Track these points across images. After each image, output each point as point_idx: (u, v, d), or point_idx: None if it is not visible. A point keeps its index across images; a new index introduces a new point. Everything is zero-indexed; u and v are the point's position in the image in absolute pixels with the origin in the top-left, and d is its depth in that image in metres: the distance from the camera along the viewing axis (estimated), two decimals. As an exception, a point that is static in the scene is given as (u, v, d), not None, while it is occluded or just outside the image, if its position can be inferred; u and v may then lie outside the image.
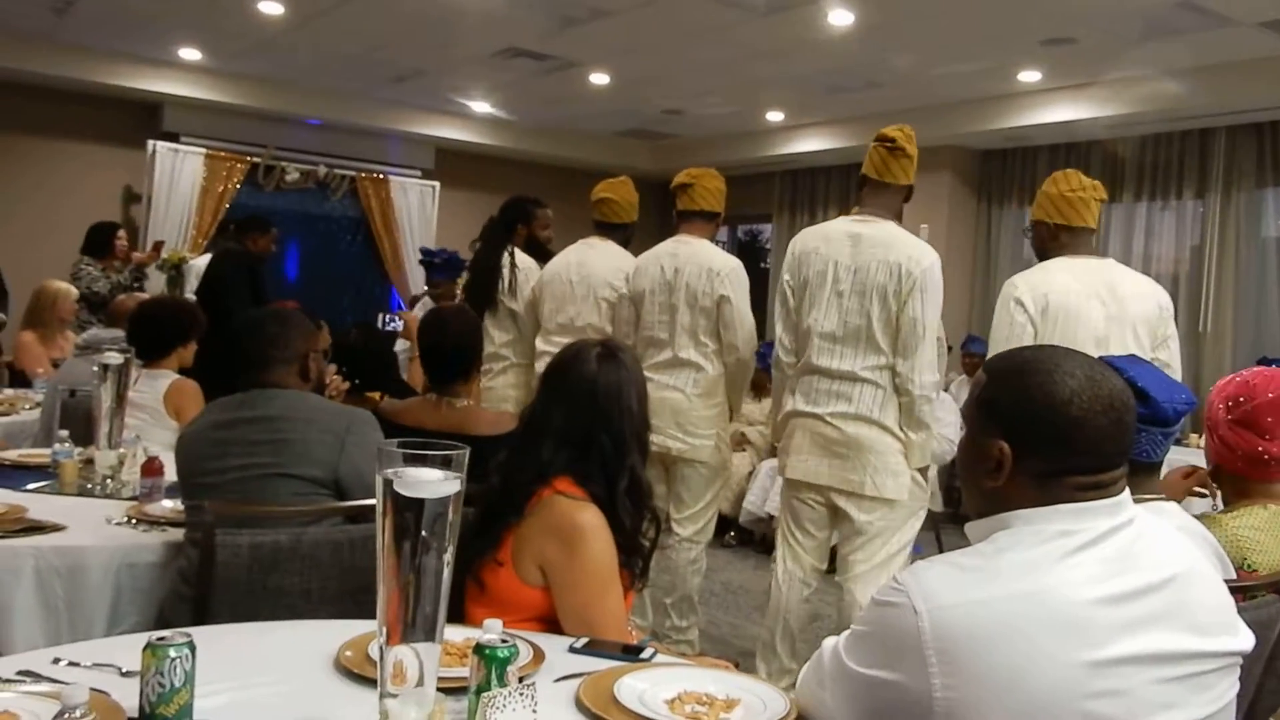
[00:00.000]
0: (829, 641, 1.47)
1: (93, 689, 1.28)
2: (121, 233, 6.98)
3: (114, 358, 3.01)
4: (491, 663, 1.36)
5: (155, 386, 3.65)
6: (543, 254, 4.80)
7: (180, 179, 8.81)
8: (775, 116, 9.13)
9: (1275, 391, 2.22)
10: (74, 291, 5.92)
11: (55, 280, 5.90)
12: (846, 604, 3.47)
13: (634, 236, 4.57)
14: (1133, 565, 1.31)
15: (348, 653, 1.63)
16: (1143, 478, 1.92)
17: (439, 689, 1.36)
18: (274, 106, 8.94)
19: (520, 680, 1.39)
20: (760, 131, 9.62)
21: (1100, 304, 3.31)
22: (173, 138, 8.83)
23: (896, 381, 3.37)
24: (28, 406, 4.60)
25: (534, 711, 1.31)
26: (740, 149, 9.83)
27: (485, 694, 1.31)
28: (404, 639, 1.31)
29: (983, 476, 1.40)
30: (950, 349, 6.54)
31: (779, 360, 3.66)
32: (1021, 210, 8.48)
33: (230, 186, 9.09)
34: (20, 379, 5.48)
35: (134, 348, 3.52)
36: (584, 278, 4.41)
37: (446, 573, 1.32)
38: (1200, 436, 5.08)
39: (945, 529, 6.32)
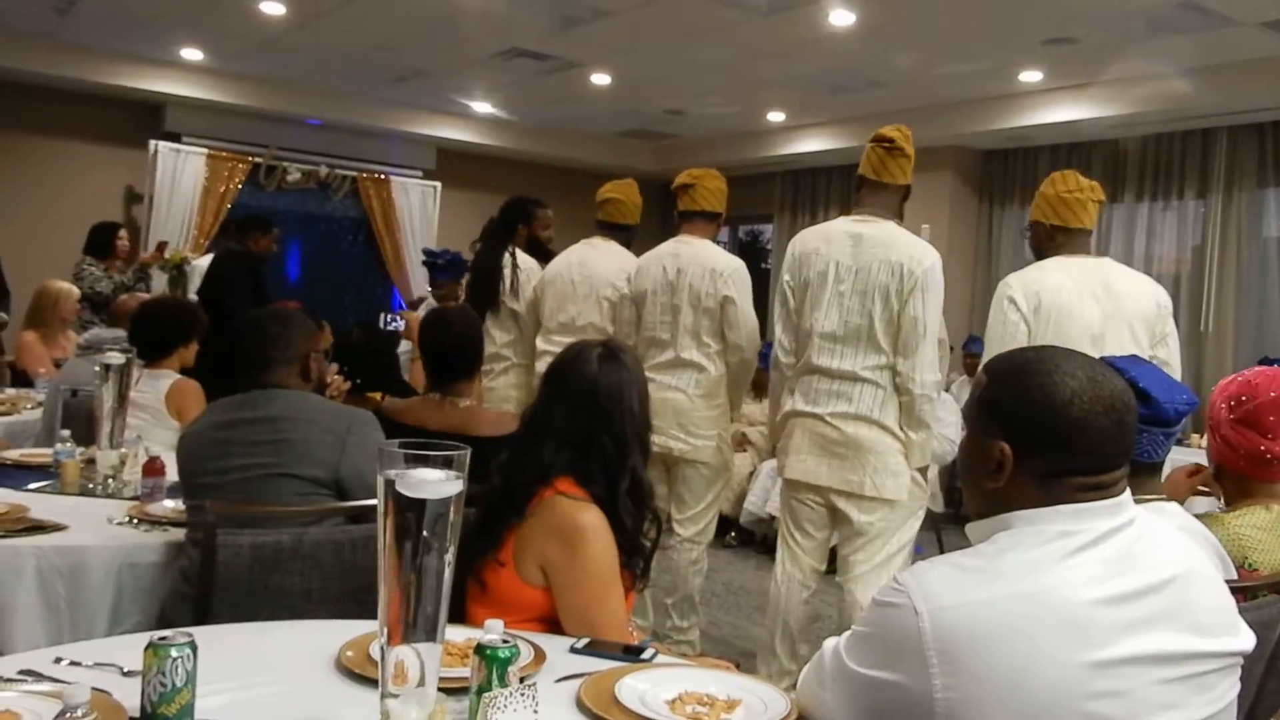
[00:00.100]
0: (830, 642, 1.47)
1: (94, 688, 1.28)
2: (123, 232, 6.98)
3: (116, 358, 3.02)
4: (493, 663, 1.36)
5: (157, 386, 3.65)
6: (544, 254, 4.80)
7: (182, 179, 8.82)
8: (776, 117, 9.13)
9: (1277, 391, 2.22)
10: (75, 291, 5.93)
11: (57, 280, 5.91)
12: (847, 604, 3.47)
13: (636, 239, 4.57)
14: (1134, 566, 1.31)
15: (349, 653, 1.63)
16: (1144, 478, 1.92)
17: (440, 689, 1.36)
18: (275, 107, 8.94)
19: (521, 680, 1.39)
20: (761, 132, 9.62)
21: (1095, 301, 3.31)
22: (174, 138, 8.83)
23: (897, 381, 3.37)
24: (29, 406, 4.61)
25: (535, 712, 1.31)
26: (741, 149, 9.82)
27: (486, 694, 1.31)
28: (405, 639, 1.31)
29: (984, 477, 1.40)
30: (951, 349, 6.55)
31: (777, 361, 3.65)
32: (1023, 210, 8.47)
33: (232, 187, 9.10)
34: (22, 379, 5.49)
35: (136, 348, 3.52)
36: (586, 277, 4.41)
37: (448, 573, 1.32)
38: (1201, 437, 5.09)
39: (946, 529, 6.32)
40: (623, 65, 7.56)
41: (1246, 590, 1.93)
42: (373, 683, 1.46)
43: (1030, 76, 7.17)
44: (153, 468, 2.78)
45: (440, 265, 6.10)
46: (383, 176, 9.92)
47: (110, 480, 2.91)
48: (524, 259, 4.75)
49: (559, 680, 1.62)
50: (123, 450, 2.96)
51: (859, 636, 1.38)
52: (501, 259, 4.72)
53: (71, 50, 7.95)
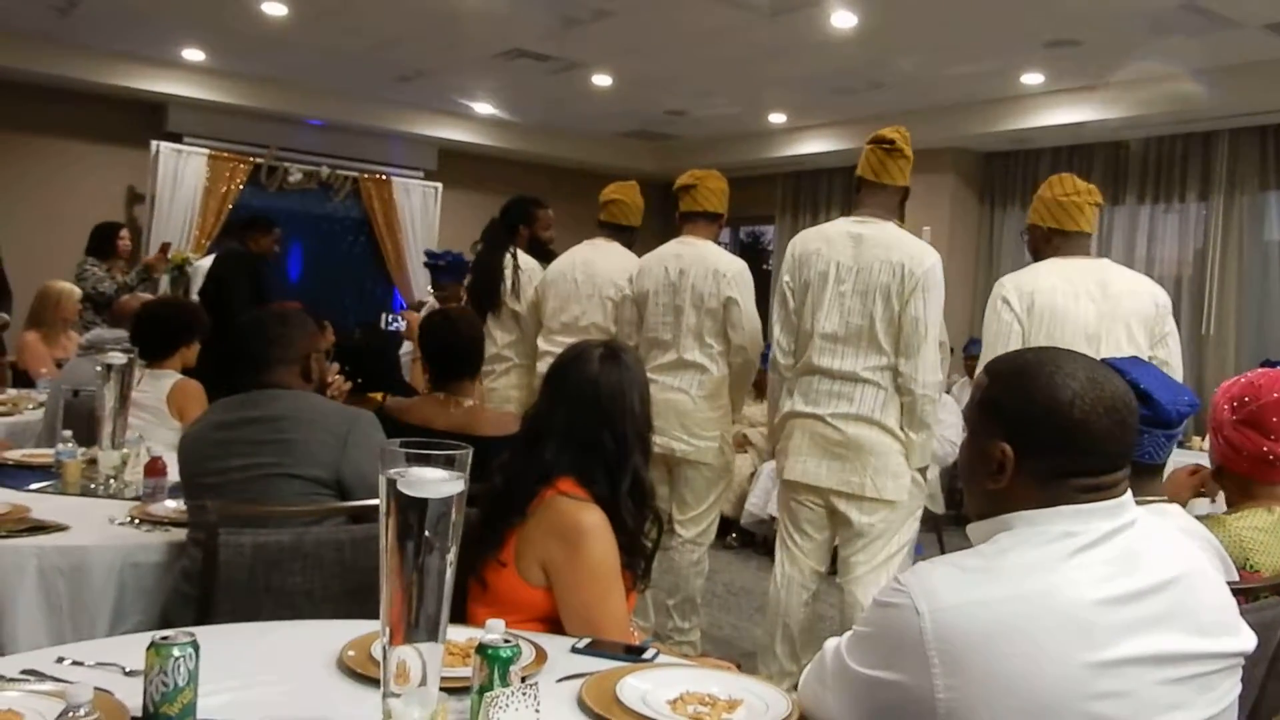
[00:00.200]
0: (831, 642, 1.47)
1: (96, 688, 1.28)
2: (124, 232, 6.98)
3: (118, 357, 3.02)
4: (494, 662, 1.36)
5: (158, 386, 3.66)
6: (545, 254, 4.80)
7: (183, 179, 8.81)
8: (778, 118, 9.13)
9: (1280, 391, 2.22)
10: (77, 292, 5.93)
11: (58, 280, 5.91)
12: (848, 605, 3.47)
13: (637, 240, 4.57)
14: (1135, 566, 1.31)
15: (350, 652, 1.63)
16: (1146, 479, 1.92)
17: (441, 689, 1.36)
18: (277, 107, 8.94)
19: (523, 680, 1.39)
20: (763, 133, 9.62)
21: (1091, 301, 3.31)
22: (176, 138, 8.83)
23: (899, 381, 3.37)
24: (31, 406, 4.61)
25: (536, 711, 1.31)
26: (743, 150, 9.82)
27: (488, 694, 1.31)
28: (407, 639, 1.31)
29: (985, 478, 1.40)
30: (951, 351, 6.55)
31: (775, 362, 3.64)
32: (1024, 213, 8.37)
33: (233, 187, 9.10)
34: (23, 379, 5.49)
35: (137, 348, 3.53)
36: (589, 277, 4.41)
37: (449, 573, 1.32)
38: (1203, 439, 5.09)
39: (947, 530, 6.32)
40: (624, 66, 7.56)
41: (1248, 592, 1.93)
42: (374, 682, 1.46)
43: (1032, 79, 7.17)
44: (154, 468, 2.78)
45: (442, 267, 6.11)
46: (384, 177, 9.92)
47: (112, 480, 2.91)
48: (525, 259, 4.75)
49: (560, 680, 1.62)
50: (124, 450, 2.96)
51: (860, 636, 1.38)
52: (503, 259, 4.72)
53: (73, 50, 7.95)
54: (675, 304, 4.02)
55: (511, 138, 10.04)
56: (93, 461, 2.99)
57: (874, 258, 3.38)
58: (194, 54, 8.13)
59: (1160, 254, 7.84)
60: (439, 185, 10.12)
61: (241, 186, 9.17)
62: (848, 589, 3.48)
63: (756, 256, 11.34)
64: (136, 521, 2.54)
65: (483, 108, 9.40)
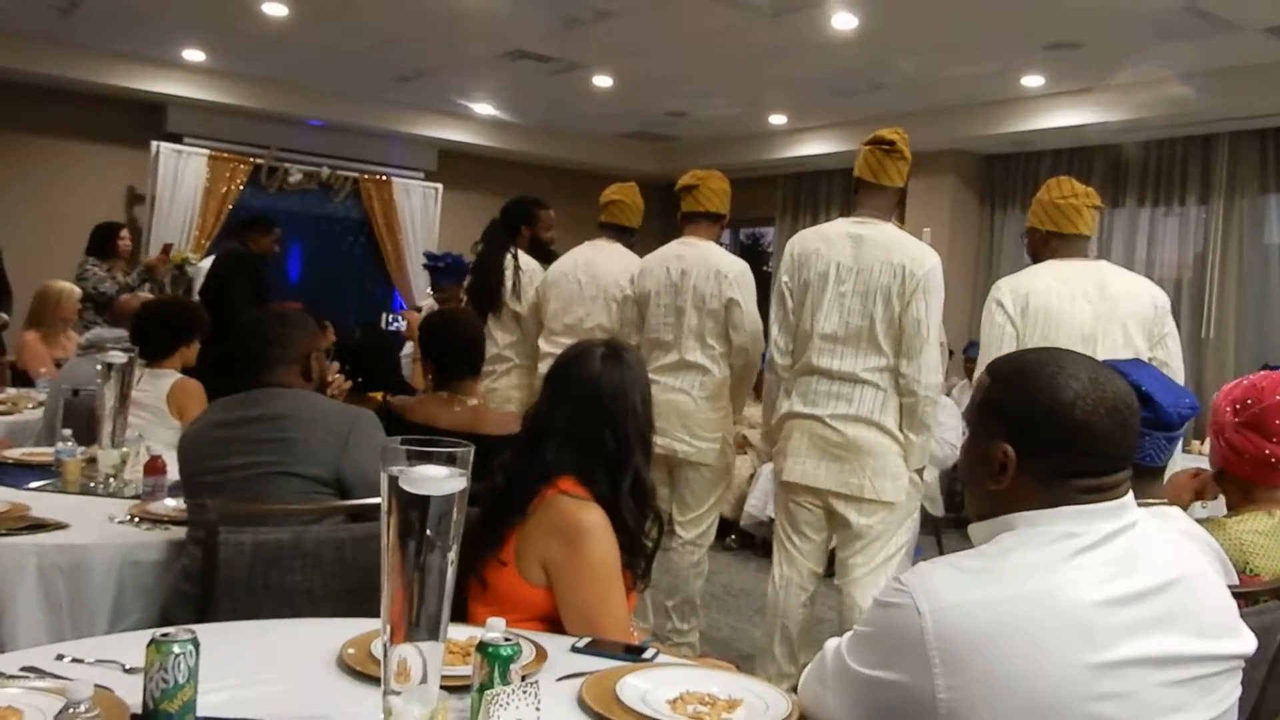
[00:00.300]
0: (831, 642, 1.47)
1: (96, 685, 1.28)
2: (124, 232, 6.98)
3: (118, 357, 3.02)
4: (495, 661, 1.36)
5: (158, 386, 3.66)
6: (546, 255, 4.80)
7: (183, 180, 8.81)
8: (778, 119, 9.14)
9: (1283, 395, 2.22)
10: (77, 291, 5.92)
11: (58, 280, 5.91)
12: (846, 607, 3.46)
13: (637, 243, 4.57)
14: (1136, 568, 1.31)
15: (350, 650, 1.63)
16: (1146, 482, 1.92)
17: (441, 687, 1.36)
18: (277, 107, 8.94)
19: (523, 679, 1.39)
20: (763, 134, 9.62)
21: (1087, 303, 3.31)
22: (176, 139, 8.83)
23: (901, 383, 3.36)
24: (30, 406, 4.61)
25: (537, 710, 1.31)
26: (743, 152, 9.82)
27: (489, 692, 1.31)
28: (408, 637, 1.31)
29: (986, 479, 1.40)
30: (950, 354, 6.54)
31: (773, 362, 3.62)
32: (1024, 215, 8.44)
33: (233, 188, 9.10)
34: (23, 378, 5.49)
35: (137, 347, 3.52)
36: (593, 278, 4.40)
37: (451, 571, 1.32)
38: (1203, 443, 5.09)
39: (946, 533, 6.32)
40: (625, 67, 7.56)
41: (1248, 595, 1.93)
42: (373, 680, 1.46)
43: (1033, 81, 7.17)
44: (154, 467, 2.78)
45: (441, 269, 6.10)
46: (384, 178, 9.92)
47: (111, 479, 2.91)
48: (526, 260, 4.74)
49: (560, 679, 1.62)
50: (124, 449, 2.96)
51: (861, 636, 1.38)
52: (503, 260, 4.72)
53: (73, 51, 7.95)
54: (677, 305, 4.02)
55: (512, 139, 10.04)
56: (92, 460, 2.99)
57: (874, 258, 3.38)
58: (194, 54, 8.13)
59: (1160, 257, 7.85)
60: (439, 186, 10.12)
61: (242, 187, 9.17)
62: (846, 591, 3.47)
63: (756, 258, 11.34)
64: (136, 520, 2.54)
65: (483, 108, 9.40)
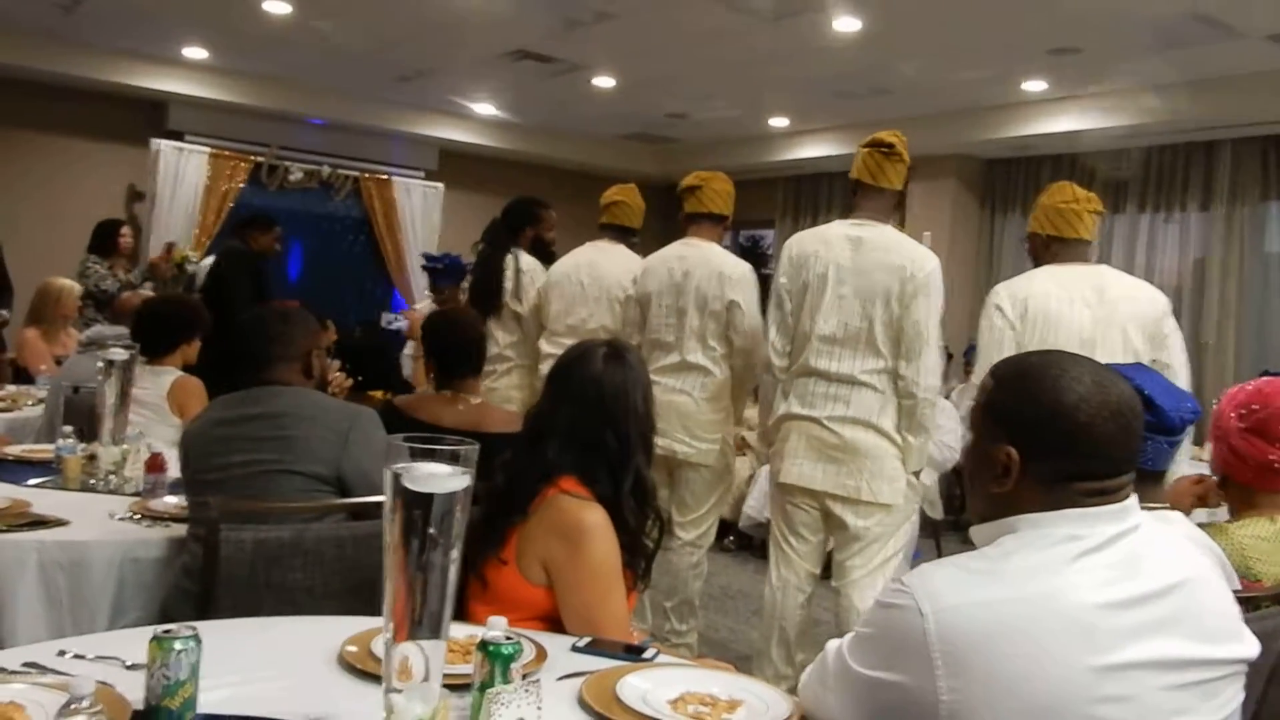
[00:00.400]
0: (832, 643, 1.47)
1: (98, 681, 1.28)
2: (125, 229, 6.98)
3: (118, 354, 3.02)
4: (496, 659, 1.36)
5: (159, 383, 3.65)
6: (547, 255, 4.79)
7: (184, 178, 8.81)
8: (779, 122, 9.14)
9: (1288, 400, 2.21)
10: (77, 288, 5.92)
11: (59, 277, 5.91)
12: (843, 609, 3.46)
13: (638, 244, 4.57)
14: (1139, 571, 1.31)
15: (351, 648, 1.63)
16: (1149, 486, 1.91)
17: (442, 685, 1.36)
18: (278, 106, 8.94)
19: (524, 678, 1.39)
20: (764, 136, 9.63)
21: (1086, 307, 3.31)
22: (177, 136, 8.82)
23: (900, 385, 3.36)
24: (30, 403, 4.61)
25: (538, 709, 1.31)
26: (744, 154, 9.82)
27: (490, 690, 1.31)
28: (410, 635, 1.31)
29: (989, 482, 1.40)
30: (950, 357, 6.54)
31: (770, 364, 3.62)
32: (1025, 219, 8.44)
33: (234, 186, 9.09)
34: (23, 375, 5.49)
35: (138, 344, 3.52)
36: (596, 279, 4.40)
37: (453, 570, 1.32)
38: (1203, 448, 5.08)
39: (946, 536, 6.32)
40: (626, 68, 7.57)
41: (1250, 601, 1.93)
42: (374, 678, 1.47)
43: (1034, 86, 7.18)
44: (154, 464, 2.78)
45: (440, 270, 6.10)
46: (385, 177, 9.92)
47: (112, 476, 2.91)
48: (527, 260, 4.74)
49: (560, 678, 1.62)
50: (124, 446, 2.96)
51: (862, 637, 1.38)
52: (504, 260, 4.71)
53: (75, 48, 7.95)
54: (679, 305, 4.02)
55: (513, 139, 10.04)
56: (93, 457, 2.99)
57: (874, 260, 3.38)
58: (196, 52, 8.13)
59: (1160, 263, 7.85)
60: (440, 185, 10.12)
61: (242, 185, 9.16)
62: (844, 593, 3.47)
63: (756, 260, 11.33)
64: (136, 517, 2.54)
65: (484, 108, 9.41)
